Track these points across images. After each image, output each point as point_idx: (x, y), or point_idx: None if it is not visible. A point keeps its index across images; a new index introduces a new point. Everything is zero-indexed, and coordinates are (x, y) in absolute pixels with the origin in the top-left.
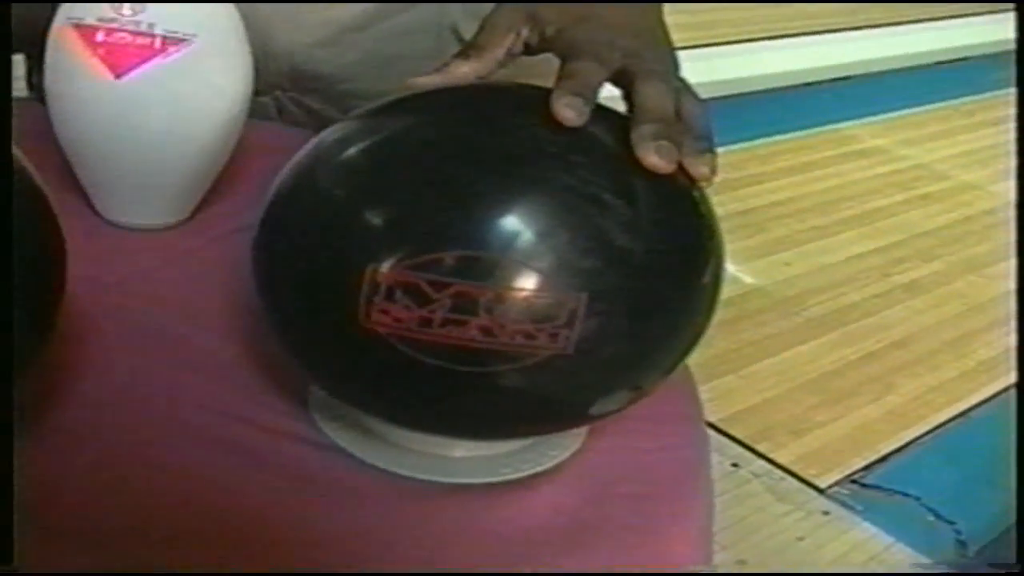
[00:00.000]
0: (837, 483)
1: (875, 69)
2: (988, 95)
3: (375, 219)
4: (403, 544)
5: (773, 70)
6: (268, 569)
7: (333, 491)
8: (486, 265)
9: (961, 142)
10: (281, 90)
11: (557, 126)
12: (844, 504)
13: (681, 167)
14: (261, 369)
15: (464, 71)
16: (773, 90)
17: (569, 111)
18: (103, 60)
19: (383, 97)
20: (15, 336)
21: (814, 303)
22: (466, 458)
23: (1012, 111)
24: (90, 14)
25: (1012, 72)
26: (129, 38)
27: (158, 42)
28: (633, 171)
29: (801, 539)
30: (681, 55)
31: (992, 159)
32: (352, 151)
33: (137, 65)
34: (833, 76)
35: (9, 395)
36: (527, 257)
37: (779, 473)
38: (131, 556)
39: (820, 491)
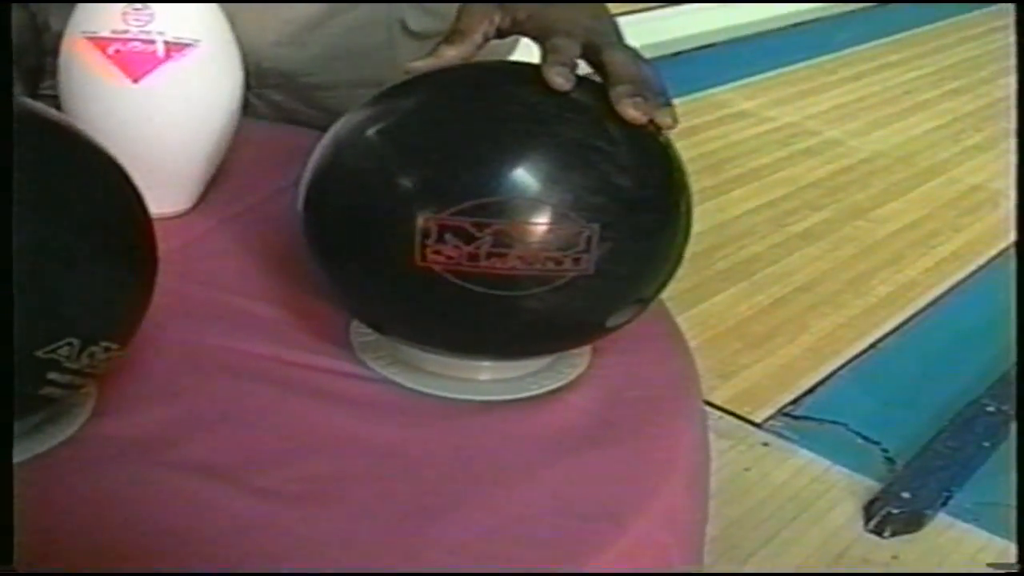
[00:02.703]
0: (771, 417)
1: (737, 35)
2: (847, 52)
3: (421, 177)
4: (464, 449)
5: (640, 43)
6: (338, 468)
7: (390, 414)
8: (517, 206)
9: (829, 98)
10: (246, 87)
11: (549, 92)
12: (780, 435)
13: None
14: (303, 323)
15: (452, 54)
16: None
17: (560, 79)
18: (120, 67)
19: (342, 87)
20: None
21: (720, 257)
22: (499, 380)
23: (871, 65)
24: (103, 27)
25: (866, 28)
26: (141, 46)
27: (167, 48)
28: (616, 124)
29: (748, 469)
30: None
31: (860, 112)
32: (385, 124)
33: (151, 69)
34: (698, 44)
35: (9, 398)
36: (549, 197)
37: (717, 413)
38: (224, 474)
39: (756, 425)
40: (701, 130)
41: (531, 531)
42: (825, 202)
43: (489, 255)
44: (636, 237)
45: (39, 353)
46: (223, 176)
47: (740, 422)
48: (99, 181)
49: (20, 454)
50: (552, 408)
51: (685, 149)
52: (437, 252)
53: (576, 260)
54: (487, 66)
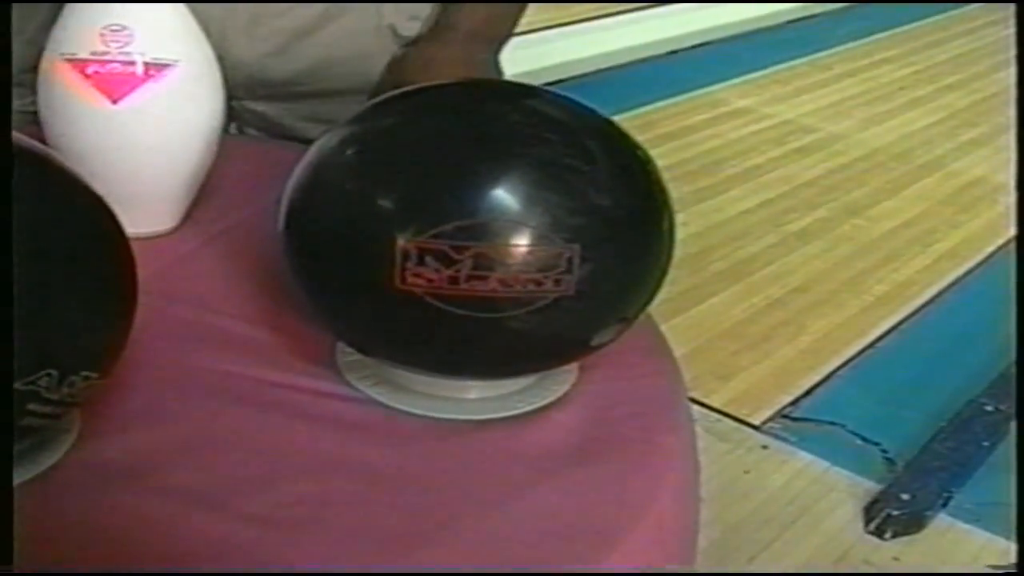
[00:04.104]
0: (769, 419)
1: (732, 33)
2: (842, 48)
3: (399, 200)
4: (451, 469)
5: (635, 42)
6: (323, 490)
7: (376, 434)
8: (497, 228)
9: (824, 95)
10: (236, 99)
11: (528, 112)
12: (779, 437)
13: None
14: (288, 343)
15: None
16: (638, 61)
17: None
18: (99, 89)
19: (333, 95)
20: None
21: (716, 258)
22: (485, 398)
23: (866, 62)
24: (82, 49)
25: (860, 24)
26: (120, 67)
27: (146, 69)
28: (595, 143)
29: (747, 472)
30: (540, 36)
31: (855, 108)
32: (364, 146)
33: (131, 90)
34: (693, 43)
35: (9, 398)
36: (528, 219)
37: (715, 416)
38: (208, 499)
39: (755, 427)
40: (697, 129)
41: (519, 550)
42: (821, 200)
43: (469, 278)
44: (618, 257)
45: (18, 385)
46: (206, 194)
47: (739, 424)
48: (73, 210)
49: None
50: (540, 426)
51: (680, 149)
52: (417, 275)
53: (557, 281)
54: (466, 85)
